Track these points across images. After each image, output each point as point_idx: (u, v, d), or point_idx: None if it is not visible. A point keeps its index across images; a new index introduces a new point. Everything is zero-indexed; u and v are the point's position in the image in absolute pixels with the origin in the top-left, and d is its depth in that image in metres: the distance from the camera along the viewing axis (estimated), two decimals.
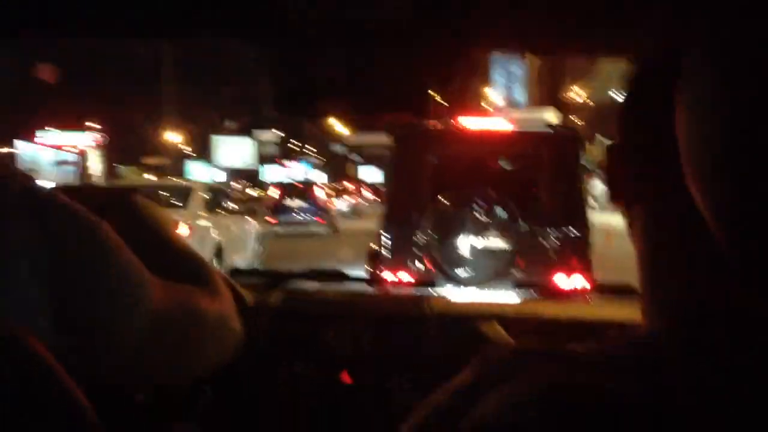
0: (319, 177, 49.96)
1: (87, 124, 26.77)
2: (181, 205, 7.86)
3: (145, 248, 0.67)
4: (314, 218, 16.68)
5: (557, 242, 4.21)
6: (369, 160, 58.17)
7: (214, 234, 7.93)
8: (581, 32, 1.25)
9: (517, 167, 4.42)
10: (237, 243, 8.54)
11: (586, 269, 4.24)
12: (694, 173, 0.40)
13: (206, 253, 7.41)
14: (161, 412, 1.13)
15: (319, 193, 17.78)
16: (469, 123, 4.86)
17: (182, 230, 7.17)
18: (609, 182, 0.52)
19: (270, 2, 1.16)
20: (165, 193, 8.16)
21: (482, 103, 52.04)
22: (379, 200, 7.97)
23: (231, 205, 9.13)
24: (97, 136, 24.52)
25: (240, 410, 1.38)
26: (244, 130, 43.25)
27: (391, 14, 1.08)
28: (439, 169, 4.32)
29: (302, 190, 17.63)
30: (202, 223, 7.89)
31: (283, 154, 49.70)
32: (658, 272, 0.48)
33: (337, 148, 50.16)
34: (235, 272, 1.69)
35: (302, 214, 16.58)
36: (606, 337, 0.44)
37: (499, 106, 47.63)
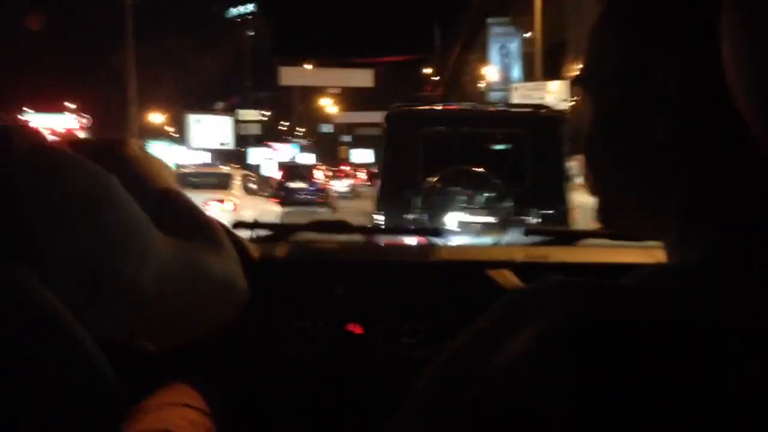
0: (308, 159, 50.20)
1: (66, 104, 27.00)
2: (226, 188, 10.28)
3: (145, 201, 0.67)
4: (315, 199, 18.90)
5: (539, 219, 4.65)
6: (360, 142, 58.11)
7: (250, 211, 9.92)
8: None
9: (504, 146, 4.84)
10: (266, 218, 10.06)
11: None
12: (745, 76, 0.38)
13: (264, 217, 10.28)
14: (171, 367, 1.14)
15: (319, 176, 20.51)
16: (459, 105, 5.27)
17: (229, 206, 9.79)
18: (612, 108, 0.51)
19: None
20: (212, 180, 10.61)
21: (480, 82, 52.31)
22: (371, 184, 8.51)
23: (254, 186, 11.51)
24: (82, 119, 24.72)
25: (250, 364, 1.40)
26: (227, 110, 42.12)
27: None
28: (430, 148, 4.73)
29: (304, 172, 20.37)
30: (241, 201, 10.09)
31: (267, 134, 49.64)
32: (687, 203, 0.47)
33: (327, 129, 49.93)
34: (238, 224, 1.70)
35: (304, 194, 18.85)
36: (636, 272, 0.44)
37: (498, 82, 47.93)
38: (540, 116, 4.93)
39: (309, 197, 18.88)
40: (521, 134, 4.72)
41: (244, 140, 45.13)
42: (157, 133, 34.69)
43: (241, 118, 40.35)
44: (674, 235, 0.48)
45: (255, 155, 44.48)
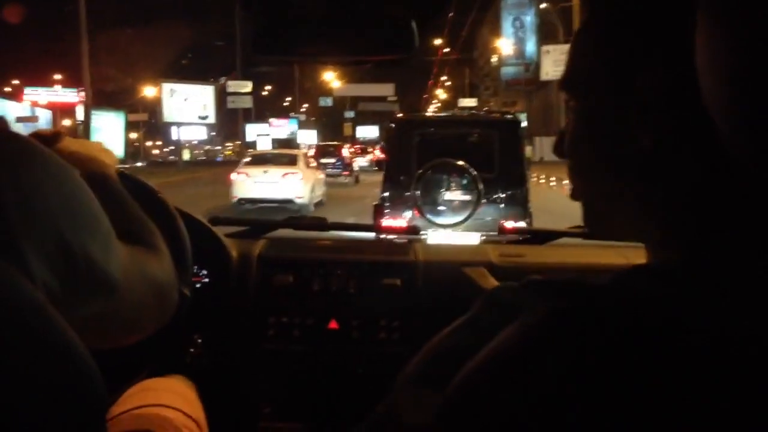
0: (308, 136, 49.97)
1: (55, 77, 29.05)
2: (295, 164, 15.29)
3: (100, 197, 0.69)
4: (342, 171, 25.04)
5: (506, 197, 6.82)
6: (363, 118, 58.37)
7: (311, 179, 15.42)
8: None
9: (477, 143, 6.99)
10: (317, 185, 15.98)
11: (527, 217, 6.87)
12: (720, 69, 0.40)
13: (309, 189, 14.98)
14: (152, 364, 1.22)
15: (345, 153, 27.24)
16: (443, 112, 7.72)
17: (299, 176, 14.82)
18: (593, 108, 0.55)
19: None
20: (284, 158, 15.85)
21: (492, 56, 53.56)
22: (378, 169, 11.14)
23: (310, 162, 16.86)
24: (81, 92, 26.48)
25: (230, 360, 1.52)
26: (211, 78, 40.12)
27: None
28: (423, 145, 6.90)
29: (333, 150, 27.03)
30: (304, 174, 15.12)
31: (270, 110, 50.17)
32: (672, 206, 0.50)
33: (325, 102, 49.62)
34: (215, 220, 1.76)
35: (333, 168, 24.52)
36: (615, 272, 0.48)
37: (511, 56, 49.15)
38: (504, 120, 7.13)
39: (337, 170, 24.74)
40: (490, 134, 6.89)
41: (233, 114, 43.20)
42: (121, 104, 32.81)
43: (231, 89, 39.09)
44: (655, 237, 0.52)
45: (250, 132, 43.65)
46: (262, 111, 49.29)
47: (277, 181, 14.64)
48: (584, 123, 0.56)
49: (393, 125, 7.24)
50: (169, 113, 34.59)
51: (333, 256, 1.63)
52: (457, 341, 0.50)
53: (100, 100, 29.20)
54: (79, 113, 26.67)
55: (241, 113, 42.30)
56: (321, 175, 17.13)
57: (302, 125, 54.16)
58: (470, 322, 0.51)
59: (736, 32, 0.38)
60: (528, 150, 15.90)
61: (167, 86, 34.45)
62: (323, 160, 23.70)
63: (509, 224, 7.10)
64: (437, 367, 0.49)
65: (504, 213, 6.74)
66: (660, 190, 0.51)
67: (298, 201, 14.52)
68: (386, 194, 6.95)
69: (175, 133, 39.50)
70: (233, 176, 15.00)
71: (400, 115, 7.76)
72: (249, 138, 43.13)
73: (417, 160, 6.69)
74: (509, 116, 7.39)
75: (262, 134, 43.96)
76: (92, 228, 0.62)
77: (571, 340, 0.41)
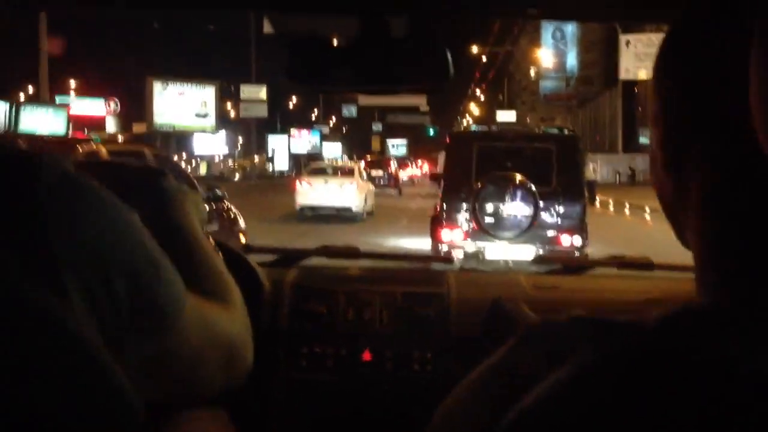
0: (333, 150, 50.50)
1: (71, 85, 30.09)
2: (352, 175, 18.31)
3: (171, 243, 0.76)
4: (389, 183, 31.43)
5: (563, 212, 7.48)
6: (393, 131, 58.74)
7: (365, 190, 18.44)
8: None
9: (535, 157, 7.68)
10: (369, 196, 18.98)
11: (582, 232, 7.53)
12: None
13: (363, 199, 17.89)
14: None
15: (392, 166, 34.15)
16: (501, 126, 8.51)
17: (354, 186, 17.63)
18: (662, 145, 0.56)
19: None
20: (344, 170, 19.00)
21: (533, 69, 54.14)
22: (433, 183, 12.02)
23: (364, 173, 20.01)
24: (110, 104, 27.62)
25: (262, 390, 1.57)
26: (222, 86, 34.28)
27: None
28: (480, 158, 7.60)
29: (382, 164, 33.75)
30: (359, 185, 18.03)
31: (294, 121, 48.64)
32: (717, 244, 0.52)
33: (349, 112, 48.92)
34: (248, 249, 1.91)
35: (381, 180, 30.44)
36: (663, 309, 0.49)
37: (551, 69, 49.65)
38: (562, 135, 7.88)
39: (384, 182, 30.86)
40: (548, 148, 7.58)
41: (245, 124, 41.30)
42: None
43: (244, 96, 37.43)
44: (708, 277, 0.53)
45: (273, 144, 42.82)
46: (287, 126, 48.97)
47: (336, 191, 17.65)
48: (655, 152, 0.59)
49: (451, 139, 8.09)
50: (160, 113, 29.26)
51: (366, 286, 1.71)
52: (495, 380, 0.52)
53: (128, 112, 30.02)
54: (110, 126, 27.71)
55: (254, 124, 40.57)
56: (372, 187, 20.27)
57: (326, 138, 53.92)
58: (508, 360, 0.52)
59: None
60: (589, 169, 16.47)
61: (158, 84, 29.59)
62: (372, 173, 27.33)
63: (565, 238, 7.78)
64: (477, 407, 0.51)
65: (561, 227, 7.43)
66: (715, 229, 0.53)
67: (354, 209, 17.57)
68: (444, 206, 7.65)
69: (194, 145, 38.66)
70: (297, 185, 18.19)
71: (457, 131, 8.59)
72: (270, 151, 42.56)
73: (476, 173, 7.41)
74: (567, 131, 8.11)
75: (279, 147, 42.77)
76: (143, 264, 0.65)
77: (625, 386, 0.43)
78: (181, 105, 30.01)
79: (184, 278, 0.74)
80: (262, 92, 37.23)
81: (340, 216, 17.06)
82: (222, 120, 36.00)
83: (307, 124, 50.86)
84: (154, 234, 0.71)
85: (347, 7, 1.42)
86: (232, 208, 8.47)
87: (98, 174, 0.74)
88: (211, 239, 1.08)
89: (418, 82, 1.45)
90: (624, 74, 26.55)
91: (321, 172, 18.96)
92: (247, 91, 37.53)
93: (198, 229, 0.97)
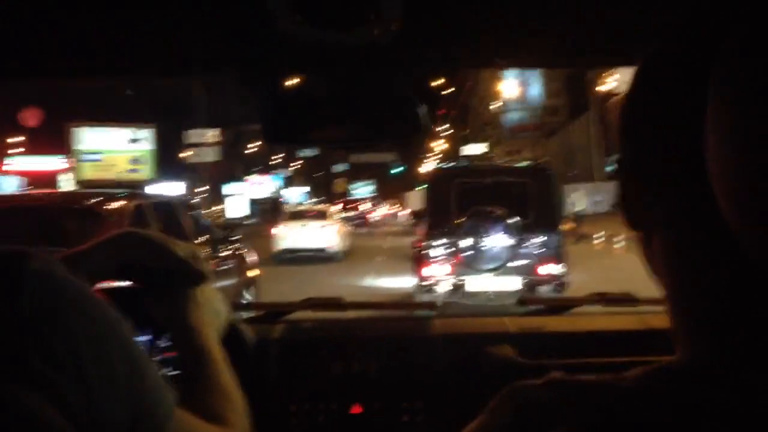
0: (298, 193, 50.05)
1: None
2: (325, 218, 20.03)
3: (187, 356, 0.88)
4: (361, 222, 36.60)
5: (541, 242, 8.15)
6: (358, 170, 59.18)
7: (340, 231, 20.14)
8: (585, 43, 1.40)
9: (513, 191, 8.36)
10: (344, 236, 20.57)
11: (561, 261, 8.19)
12: (731, 183, 0.45)
13: (340, 239, 19.46)
14: None
15: (363, 207, 41.42)
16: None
17: (328, 228, 19.36)
18: (622, 205, 0.59)
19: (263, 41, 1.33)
20: (317, 214, 20.83)
21: (494, 102, 55.26)
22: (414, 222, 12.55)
23: (337, 216, 22.23)
24: (66, 158, 27.43)
25: None
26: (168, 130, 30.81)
27: (381, 35, 1.22)
28: (461, 194, 8.26)
29: (354, 205, 41.27)
30: (331, 226, 19.75)
31: (230, 161, 45.63)
32: (687, 303, 0.54)
33: (306, 152, 48.84)
34: (234, 306, 1.89)
35: (353, 219, 33.94)
36: (642, 368, 0.52)
37: (515, 100, 50.79)
38: (536, 168, 8.70)
39: (356, 221, 35.26)
40: (524, 182, 8.29)
41: (191, 170, 36.51)
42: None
43: (191, 140, 34.69)
44: (683, 332, 0.55)
45: (227, 190, 41.15)
46: (250, 170, 48.29)
47: (315, 233, 19.03)
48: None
49: (433, 177, 8.81)
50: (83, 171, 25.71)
51: (352, 335, 1.78)
52: None
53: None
54: (66, 183, 25.90)
55: (212, 171, 37.89)
56: (346, 228, 22.17)
57: (292, 182, 54.30)
58: (491, 425, 0.54)
59: (745, 128, 0.43)
60: (576, 199, 16.93)
61: (80, 131, 26.07)
62: (345, 214, 30.90)
63: (545, 267, 8.41)
64: None
65: (540, 256, 8.10)
66: (679, 286, 0.55)
67: (332, 249, 18.87)
68: (427, 242, 8.27)
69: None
70: (274, 230, 19.33)
71: (440, 166, 9.34)
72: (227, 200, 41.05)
73: (457, 208, 8.05)
74: (540, 165, 8.89)
75: (235, 194, 40.84)
76: (126, 379, 0.66)
77: None
78: (111, 149, 26.22)
79: (184, 390, 0.79)
80: (212, 135, 34.61)
81: (318, 257, 18.33)
82: (178, 167, 34.23)
83: (271, 169, 50.77)
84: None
85: (326, 67, 1.47)
86: (244, 249, 9.15)
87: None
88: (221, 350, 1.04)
89: (398, 138, 1.53)
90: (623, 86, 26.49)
91: (297, 216, 20.65)
92: (194, 135, 34.47)
93: (208, 336, 1.00)
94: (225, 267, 8.01)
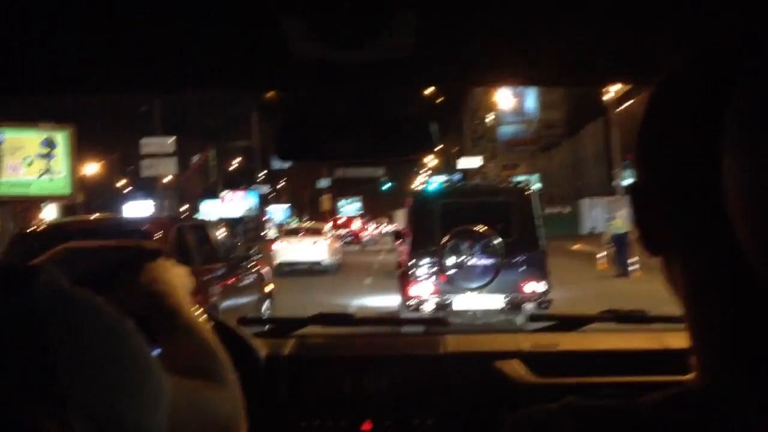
0: (279, 213, 49.04)
1: None
2: (320, 234, 24.07)
3: (160, 322, 0.90)
4: (352, 240, 40.35)
5: (524, 260, 8.81)
6: (343, 186, 58.70)
7: (333, 246, 23.93)
8: (587, 61, 1.44)
9: (495, 210, 8.99)
10: (337, 251, 24.51)
11: (544, 278, 8.85)
12: (748, 209, 0.46)
13: (332, 254, 23.32)
14: None
15: (354, 226, 44.49)
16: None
17: (323, 242, 23.28)
18: (638, 229, 0.60)
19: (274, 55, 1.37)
20: (313, 230, 24.89)
21: (488, 115, 55.17)
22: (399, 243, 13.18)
23: (332, 233, 26.03)
24: None
25: None
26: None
27: (391, 53, 1.27)
28: (446, 214, 8.86)
29: (346, 223, 44.23)
30: (326, 241, 23.39)
31: (229, 184, 45.59)
32: (705, 327, 0.56)
33: (279, 164, 47.09)
34: (243, 321, 2.07)
35: (345, 237, 37.00)
36: (661, 392, 0.52)
37: (510, 112, 50.72)
38: (516, 189, 9.51)
39: (348, 238, 38.90)
40: (506, 202, 8.98)
41: (147, 184, 33.49)
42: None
43: (146, 150, 30.14)
44: (703, 354, 0.57)
45: (205, 211, 39.77)
46: (233, 187, 46.66)
47: (309, 248, 22.41)
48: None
49: (415, 198, 9.54)
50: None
51: (362, 354, 1.83)
52: None
53: None
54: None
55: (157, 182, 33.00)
56: (339, 243, 26.08)
57: (273, 199, 53.75)
58: None
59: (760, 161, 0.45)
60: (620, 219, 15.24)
61: None
62: (335, 232, 32.86)
63: (529, 285, 9.03)
64: None
65: (524, 275, 8.76)
66: (702, 320, 0.57)
67: (326, 263, 22.24)
68: (413, 262, 8.90)
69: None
70: (274, 246, 22.91)
71: (423, 186, 10.09)
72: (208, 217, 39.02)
73: (441, 228, 8.67)
74: (521, 185, 9.68)
75: (206, 213, 38.27)
76: (139, 386, 0.70)
77: None
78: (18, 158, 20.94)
79: (171, 355, 0.87)
80: (169, 144, 30.53)
81: (313, 270, 21.71)
82: (149, 183, 32.27)
83: (252, 185, 49.33)
84: (145, 310, 0.94)
85: (339, 84, 1.52)
86: (261, 266, 10.14)
87: (87, 256, 0.97)
88: (203, 315, 1.11)
89: (407, 154, 1.61)
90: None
91: (294, 232, 24.73)
92: (149, 144, 30.62)
93: (188, 306, 1.06)
94: (247, 282, 9.25)
